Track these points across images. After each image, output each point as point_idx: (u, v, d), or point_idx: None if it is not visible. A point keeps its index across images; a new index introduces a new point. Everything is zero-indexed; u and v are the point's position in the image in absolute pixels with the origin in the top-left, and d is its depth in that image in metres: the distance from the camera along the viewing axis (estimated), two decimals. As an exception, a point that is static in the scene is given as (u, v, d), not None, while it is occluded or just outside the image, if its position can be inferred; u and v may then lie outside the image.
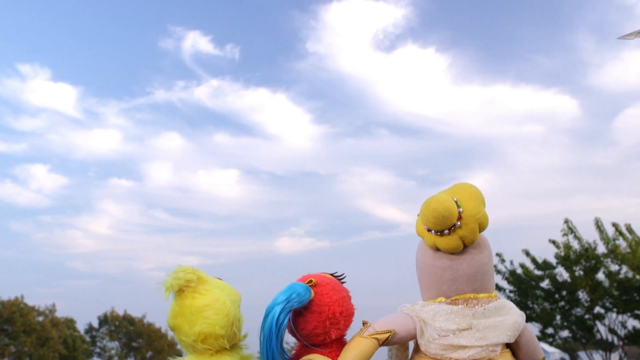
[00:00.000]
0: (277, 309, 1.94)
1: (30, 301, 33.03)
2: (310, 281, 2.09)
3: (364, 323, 2.10)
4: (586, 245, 15.85)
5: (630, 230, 15.38)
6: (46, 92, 48.54)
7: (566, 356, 23.49)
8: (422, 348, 2.04)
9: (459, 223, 2.02)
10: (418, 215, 2.16)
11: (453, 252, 2.08)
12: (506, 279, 17.14)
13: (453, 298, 2.09)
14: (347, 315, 2.15)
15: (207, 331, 1.99)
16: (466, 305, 2.08)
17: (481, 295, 2.12)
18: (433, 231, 2.04)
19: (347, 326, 2.16)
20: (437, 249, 2.10)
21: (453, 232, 2.03)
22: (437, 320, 2.02)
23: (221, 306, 2.04)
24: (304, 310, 2.05)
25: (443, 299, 2.10)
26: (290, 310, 1.98)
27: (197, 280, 2.03)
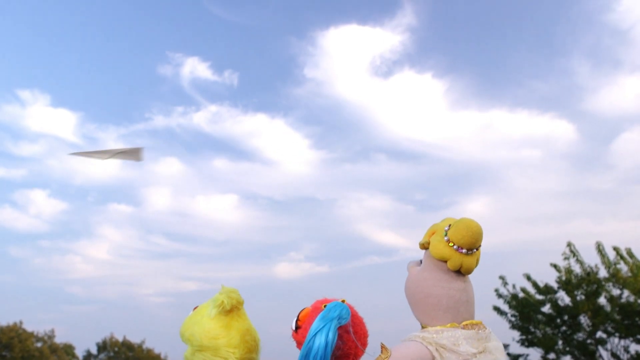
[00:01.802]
0: (329, 327, 1.91)
1: (29, 326, 32.87)
2: (344, 301, 2.11)
3: (383, 349, 2.03)
4: (588, 269, 15.85)
5: (630, 254, 15.40)
6: (46, 117, 48.80)
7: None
8: None
9: (481, 243, 2.15)
10: (431, 237, 2.23)
11: (467, 274, 2.18)
12: (508, 302, 17.10)
13: (465, 323, 2.14)
14: (367, 336, 2.16)
15: (246, 356, 2.00)
16: (474, 329, 2.13)
17: (476, 320, 2.19)
18: (465, 250, 2.12)
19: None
20: (456, 272, 2.16)
21: (476, 251, 2.15)
22: (460, 345, 2.06)
23: (254, 332, 2.08)
24: (340, 330, 2.01)
25: (456, 325, 2.14)
26: (337, 329, 1.95)
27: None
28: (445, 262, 2.18)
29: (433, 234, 2.25)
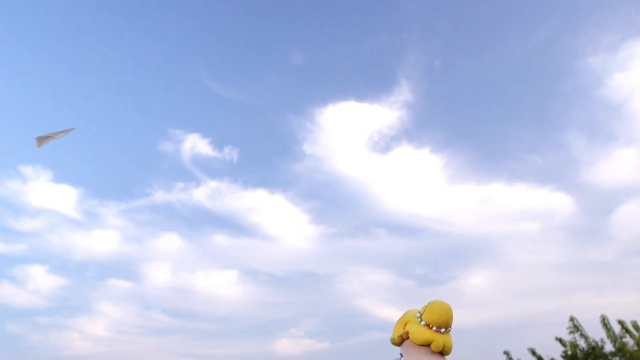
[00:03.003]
0: None
1: (21, 408, 31.82)
2: None
3: None
4: (593, 343, 15.63)
5: (636, 327, 15.21)
6: (47, 193, 49.12)
7: None
8: None
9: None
10: (406, 327, 2.36)
11: (447, 354, 2.32)
12: (513, 379, 16.75)
13: None
14: None
15: None
16: None
17: None
18: (443, 329, 2.25)
19: None
20: (439, 353, 2.29)
21: (450, 330, 2.31)
22: None
23: None
24: None
25: None
26: None
27: None
28: (429, 345, 2.29)
29: (406, 324, 2.38)
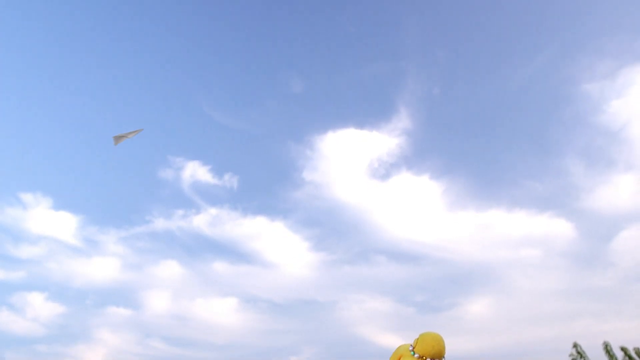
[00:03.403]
0: None
1: None
2: None
3: None
4: (596, 370, 15.49)
5: (639, 353, 15.10)
6: (47, 220, 49.15)
7: None
8: None
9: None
10: (401, 359, 2.39)
11: None
12: (517, 408, 16.57)
13: None
14: None
15: None
16: None
17: None
18: None
19: None
20: None
21: None
22: None
23: None
24: None
25: None
26: None
27: None
28: None
29: (399, 358, 2.42)
